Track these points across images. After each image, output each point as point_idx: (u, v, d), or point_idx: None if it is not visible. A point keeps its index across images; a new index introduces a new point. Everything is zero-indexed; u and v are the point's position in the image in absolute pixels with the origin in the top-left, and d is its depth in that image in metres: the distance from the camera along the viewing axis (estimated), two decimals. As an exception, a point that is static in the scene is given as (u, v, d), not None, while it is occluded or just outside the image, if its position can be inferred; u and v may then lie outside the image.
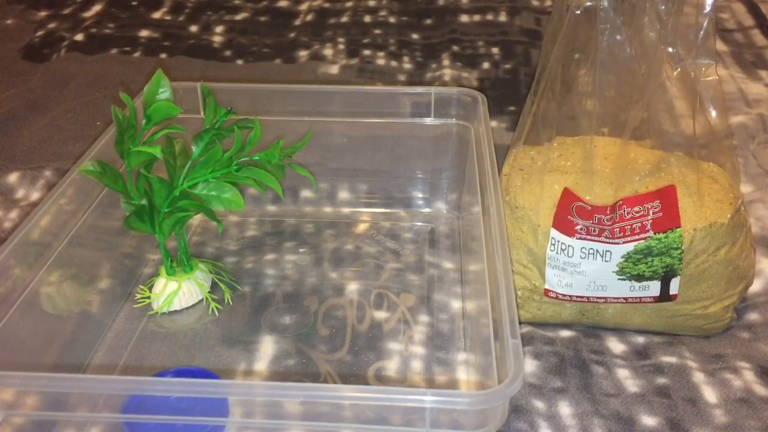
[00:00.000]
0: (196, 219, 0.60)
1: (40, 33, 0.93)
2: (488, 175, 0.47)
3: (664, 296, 0.46)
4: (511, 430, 0.41)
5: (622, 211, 0.45)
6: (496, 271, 0.39)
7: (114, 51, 0.88)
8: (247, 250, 0.57)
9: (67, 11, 0.99)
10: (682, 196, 0.45)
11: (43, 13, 0.98)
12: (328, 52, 0.87)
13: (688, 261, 0.45)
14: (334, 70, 0.83)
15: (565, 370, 0.45)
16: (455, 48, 0.87)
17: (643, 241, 0.44)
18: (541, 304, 0.48)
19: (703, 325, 0.47)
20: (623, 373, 0.45)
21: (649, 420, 0.42)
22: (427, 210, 0.62)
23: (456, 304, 0.52)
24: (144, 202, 0.47)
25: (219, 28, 0.93)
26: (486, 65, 0.83)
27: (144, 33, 0.92)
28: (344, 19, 0.96)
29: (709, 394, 0.43)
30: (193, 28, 0.93)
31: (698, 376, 0.45)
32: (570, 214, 0.46)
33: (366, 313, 0.51)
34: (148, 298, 0.51)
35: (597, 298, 0.46)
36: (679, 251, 0.44)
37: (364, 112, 0.58)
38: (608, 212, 0.45)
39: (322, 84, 0.73)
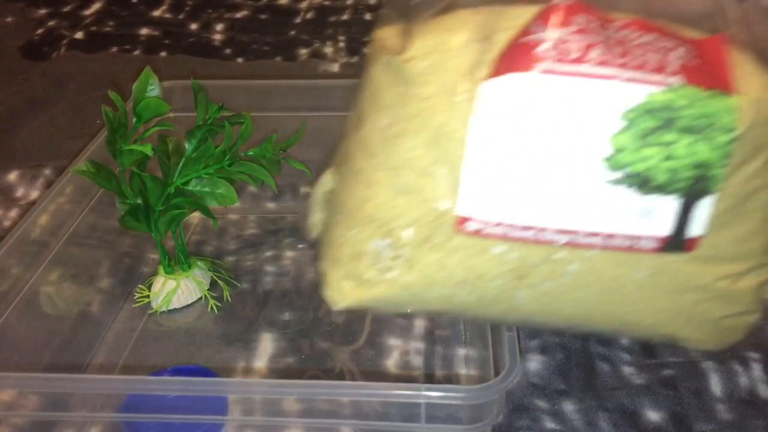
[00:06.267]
0: (196, 218, 0.60)
1: (40, 31, 0.93)
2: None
3: (678, 238, 0.28)
4: (514, 427, 0.41)
5: (627, 32, 0.28)
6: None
7: (114, 49, 0.87)
8: (246, 247, 0.57)
9: (67, 9, 0.98)
10: (735, 51, 0.28)
11: (42, 11, 0.98)
12: (328, 49, 0.86)
13: (737, 165, 0.27)
14: (335, 68, 0.82)
15: (569, 371, 0.45)
16: (456, 44, 0.86)
17: (663, 88, 0.27)
18: (447, 252, 0.29)
19: (722, 317, 0.31)
20: (628, 370, 0.45)
21: (654, 415, 0.42)
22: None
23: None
24: (139, 200, 0.47)
25: (219, 26, 0.93)
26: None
27: (144, 31, 0.92)
28: (345, 16, 0.95)
29: (716, 386, 0.43)
30: (194, 26, 0.93)
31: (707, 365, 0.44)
32: (530, 30, 0.28)
33: (366, 310, 0.51)
34: (147, 297, 0.51)
35: (559, 231, 0.28)
36: (728, 135, 0.26)
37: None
38: (597, 16, 0.28)
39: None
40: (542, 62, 0.27)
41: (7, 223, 0.59)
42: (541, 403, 0.43)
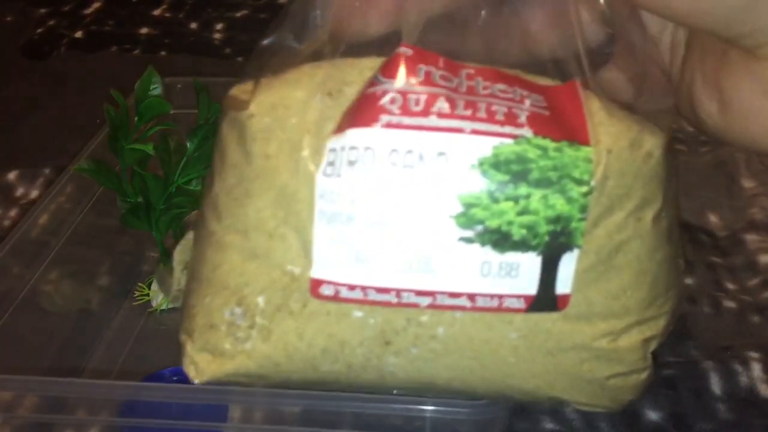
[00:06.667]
0: (195, 215, 0.60)
1: (40, 30, 0.93)
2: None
3: (545, 296, 0.26)
4: (513, 430, 0.41)
5: (476, 82, 0.26)
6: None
7: (114, 48, 0.87)
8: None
9: (66, 8, 0.98)
10: (590, 99, 0.26)
11: (42, 10, 0.98)
12: (328, 48, 0.86)
13: (597, 219, 0.26)
14: (335, 66, 0.82)
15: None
16: (456, 44, 0.86)
17: (511, 140, 0.25)
18: (305, 319, 0.27)
19: (608, 377, 0.28)
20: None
21: (653, 415, 0.42)
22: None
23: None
24: (140, 199, 0.47)
25: (219, 26, 0.93)
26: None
27: (144, 30, 0.92)
28: (345, 15, 0.95)
29: (716, 386, 0.43)
30: (193, 25, 0.93)
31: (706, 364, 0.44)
32: (375, 81, 0.26)
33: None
34: (147, 295, 0.51)
35: (420, 293, 0.26)
36: (582, 187, 0.25)
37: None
38: (444, 66, 0.26)
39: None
40: (385, 115, 0.25)
41: (7, 223, 0.59)
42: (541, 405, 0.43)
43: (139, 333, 0.49)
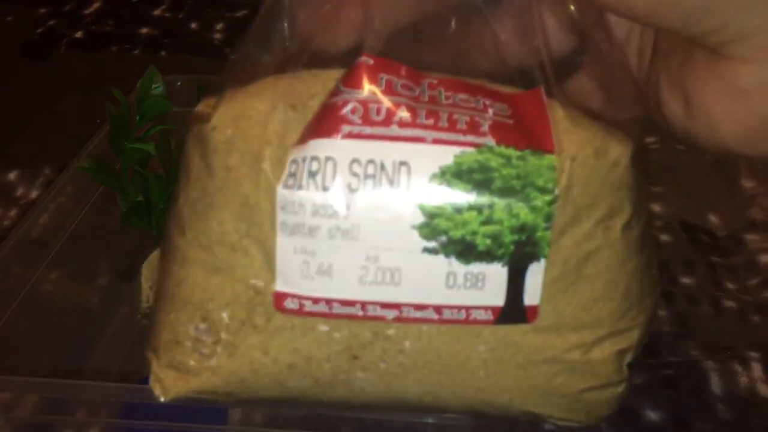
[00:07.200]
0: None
1: (40, 30, 0.93)
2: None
3: (514, 307, 0.26)
4: (514, 429, 0.41)
5: (438, 91, 0.26)
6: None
7: (114, 48, 0.88)
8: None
9: (66, 8, 0.98)
10: (554, 107, 0.26)
11: (43, 10, 0.98)
12: (328, 48, 0.86)
13: (563, 228, 0.25)
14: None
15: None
16: (456, 44, 0.86)
17: (473, 149, 0.24)
18: (269, 334, 0.27)
19: (582, 390, 0.28)
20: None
21: (653, 414, 0.42)
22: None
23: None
24: (141, 198, 0.47)
25: (219, 26, 0.93)
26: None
27: (144, 30, 0.92)
28: (345, 15, 0.95)
29: (716, 386, 0.43)
30: (193, 25, 0.93)
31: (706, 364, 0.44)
32: (337, 90, 0.26)
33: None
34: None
35: (385, 305, 0.26)
36: (547, 196, 0.25)
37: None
38: (406, 75, 0.26)
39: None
40: (347, 126, 0.25)
41: (7, 223, 0.59)
42: (542, 403, 0.43)
43: (139, 332, 0.49)
